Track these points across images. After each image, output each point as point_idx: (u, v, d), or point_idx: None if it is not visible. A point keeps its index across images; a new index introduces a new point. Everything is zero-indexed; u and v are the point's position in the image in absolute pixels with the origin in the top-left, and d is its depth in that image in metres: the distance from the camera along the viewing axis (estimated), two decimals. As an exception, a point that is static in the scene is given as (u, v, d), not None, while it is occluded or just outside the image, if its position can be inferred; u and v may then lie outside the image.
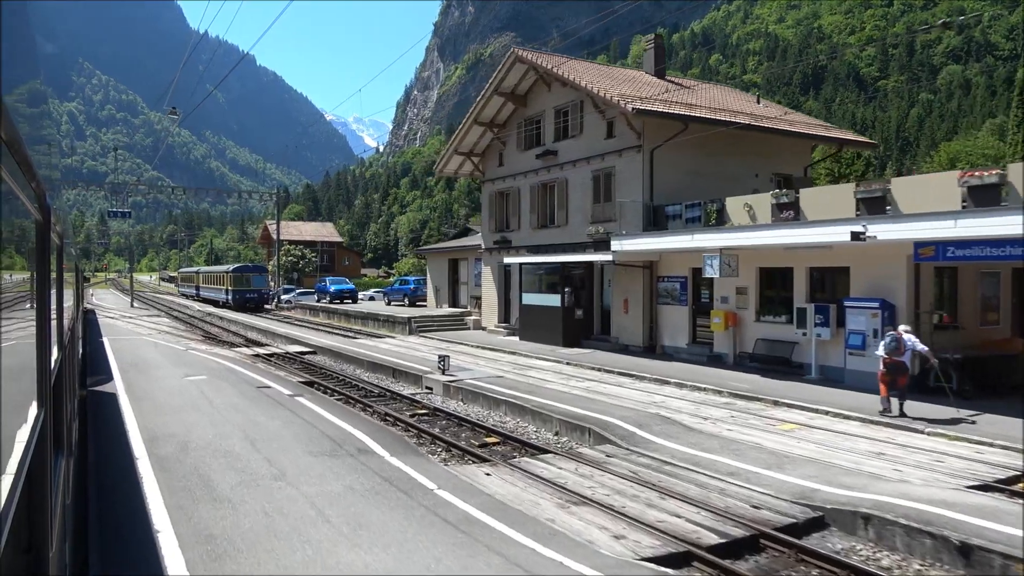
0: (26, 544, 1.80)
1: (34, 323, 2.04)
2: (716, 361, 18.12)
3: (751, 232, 15.92)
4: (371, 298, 46.37)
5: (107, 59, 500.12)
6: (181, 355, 20.26)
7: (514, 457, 10.45)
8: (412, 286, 36.10)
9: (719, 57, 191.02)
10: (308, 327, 33.32)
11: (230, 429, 10.48)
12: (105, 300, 61.39)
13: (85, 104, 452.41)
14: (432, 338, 26.28)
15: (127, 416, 11.28)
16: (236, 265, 47.73)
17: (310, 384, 16.67)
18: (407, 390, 16.68)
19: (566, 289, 22.07)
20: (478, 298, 29.38)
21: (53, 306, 2.75)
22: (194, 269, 65.91)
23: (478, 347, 23.06)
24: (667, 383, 15.88)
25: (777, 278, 17.20)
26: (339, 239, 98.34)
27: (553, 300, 22.38)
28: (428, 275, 34.43)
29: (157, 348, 22.08)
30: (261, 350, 24.00)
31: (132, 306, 49.27)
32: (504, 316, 26.93)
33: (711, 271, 16.46)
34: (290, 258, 79.55)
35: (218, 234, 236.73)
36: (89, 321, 32.96)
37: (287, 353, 23.25)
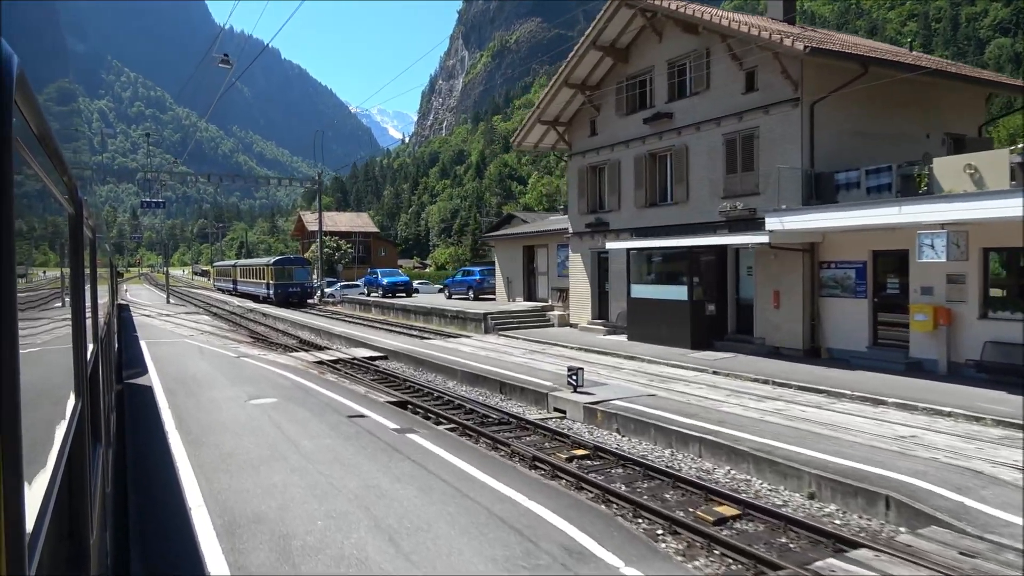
0: (68, 530, 1.85)
1: (69, 316, 1.99)
2: (917, 369, 14.04)
3: (997, 201, 11.76)
4: (416, 290, 42.85)
5: (135, 57, 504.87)
6: (235, 365, 16.78)
7: (795, 551, 6.60)
8: (478, 277, 32.23)
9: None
10: (365, 325, 29.78)
11: (345, 504, 6.79)
12: (139, 296, 58.90)
13: (115, 101, 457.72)
14: (516, 337, 22.52)
15: (185, 477, 7.66)
16: (277, 257, 44.37)
17: (403, 405, 13.00)
18: (530, 412, 12.94)
19: (694, 279, 18.09)
20: (563, 290, 25.55)
21: (88, 299, 2.76)
22: (231, 263, 62.83)
23: (579, 349, 19.24)
24: (882, 403, 11.87)
25: (1013, 261, 13.06)
26: (374, 229, 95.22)
27: (676, 293, 18.41)
28: (497, 265, 30.61)
29: (204, 355, 18.68)
30: (323, 356, 20.45)
31: (168, 302, 46.45)
32: (599, 311, 23.04)
33: (932, 254, 12.38)
34: (326, 250, 77.18)
35: (248, 227, 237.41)
36: (124, 320, 30.07)
37: (354, 359, 19.69)
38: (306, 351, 21.90)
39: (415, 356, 19.21)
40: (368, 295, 39.35)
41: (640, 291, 19.73)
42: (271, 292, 41.89)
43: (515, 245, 29.15)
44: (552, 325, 24.97)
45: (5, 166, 0.86)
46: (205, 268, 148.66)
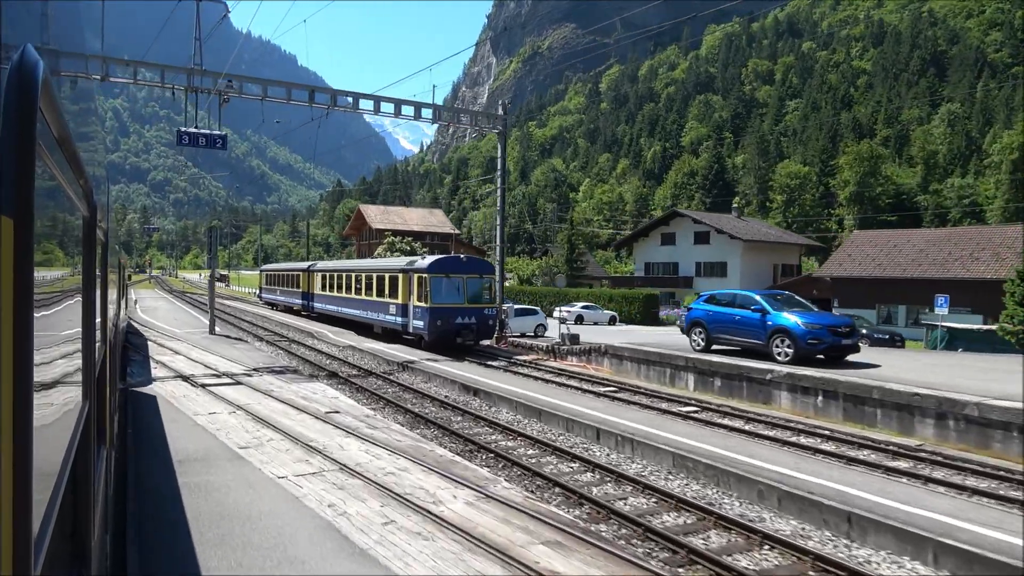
0: (71, 529, 1.83)
1: (80, 318, 1.94)
2: None
3: None
4: (576, 319, 21.89)
5: (151, 57, 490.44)
6: None
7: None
8: None
9: (812, 45, 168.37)
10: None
11: None
12: (156, 312, 37.92)
13: (129, 101, 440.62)
14: None
15: None
16: (436, 257, 22.99)
17: None
18: None
19: None
20: None
21: (98, 302, 2.75)
22: (301, 265, 40.33)
23: None
24: None
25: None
26: (452, 230, 74.40)
27: None
28: None
29: None
30: None
31: (213, 332, 25.74)
32: None
33: None
34: (397, 253, 56.48)
35: (267, 231, 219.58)
36: (136, 407, 9.82)
37: None
38: None
39: None
40: (703, 345, 17.67)
41: None
42: (420, 324, 21.03)
43: None
44: None
45: (29, 171, 0.85)
46: (223, 272, 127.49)
